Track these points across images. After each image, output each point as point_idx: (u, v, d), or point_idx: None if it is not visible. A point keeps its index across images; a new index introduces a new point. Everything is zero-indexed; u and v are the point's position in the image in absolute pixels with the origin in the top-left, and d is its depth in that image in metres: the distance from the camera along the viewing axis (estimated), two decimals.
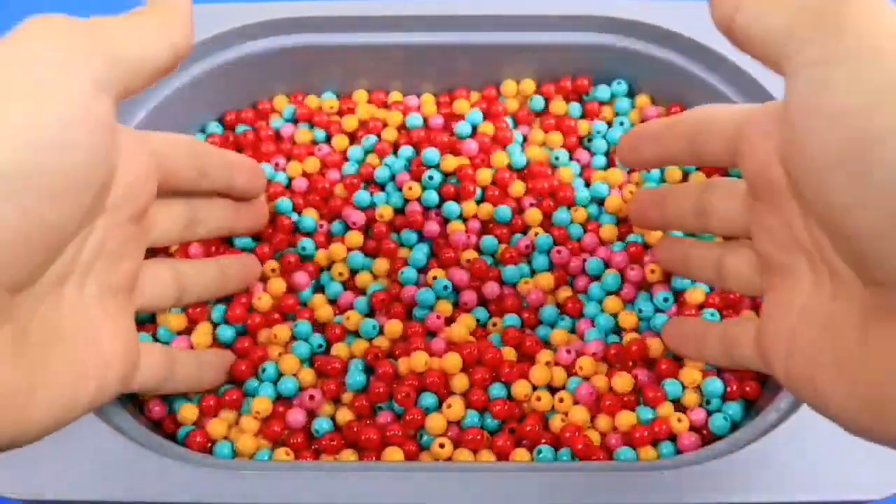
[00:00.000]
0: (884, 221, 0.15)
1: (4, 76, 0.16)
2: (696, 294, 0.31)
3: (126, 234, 0.22)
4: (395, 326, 0.30)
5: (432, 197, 0.33)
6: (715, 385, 0.28)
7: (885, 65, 0.15)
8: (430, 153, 0.33)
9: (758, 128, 0.19)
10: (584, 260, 0.32)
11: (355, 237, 0.32)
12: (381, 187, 0.34)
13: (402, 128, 0.36)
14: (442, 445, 0.27)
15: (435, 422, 0.27)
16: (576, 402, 0.28)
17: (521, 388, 0.28)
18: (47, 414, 0.19)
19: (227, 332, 0.31)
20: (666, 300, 0.30)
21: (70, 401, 0.19)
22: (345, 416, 0.28)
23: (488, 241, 0.32)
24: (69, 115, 0.17)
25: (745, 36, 0.18)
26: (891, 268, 0.15)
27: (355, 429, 0.27)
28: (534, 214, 0.33)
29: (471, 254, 0.32)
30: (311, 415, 0.29)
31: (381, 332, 0.30)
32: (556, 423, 0.28)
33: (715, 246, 0.25)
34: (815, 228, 0.18)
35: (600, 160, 0.35)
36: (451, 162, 0.33)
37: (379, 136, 0.36)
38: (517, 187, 0.33)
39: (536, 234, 0.32)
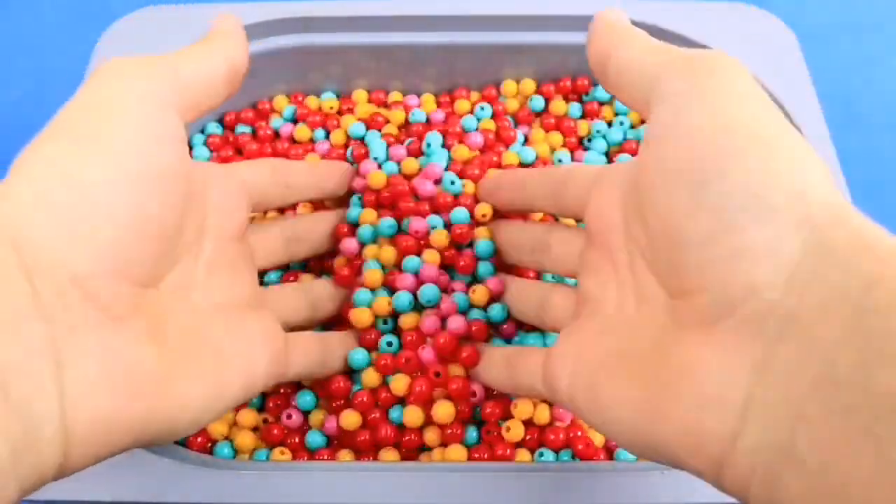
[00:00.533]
0: (713, 226, 0.17)
1: (102, 111, 0.20)
2: None
3: (234, 252, 0.25)
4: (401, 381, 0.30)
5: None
6: None
7: (738, 107, 0.18)
8: (433, 137, 0.33)
9: (609, 179, 0.23)
10: None
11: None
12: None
13: (402, 126, 0.36)
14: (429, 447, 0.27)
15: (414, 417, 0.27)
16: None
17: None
18: (195, 402, 0.20)
19: None
20: None
21: (216, 390, 0.21)
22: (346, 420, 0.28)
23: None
24: (150, 132, 0.20)
25: (618, 75, 0.21)
26: (708, 273, 0.17)
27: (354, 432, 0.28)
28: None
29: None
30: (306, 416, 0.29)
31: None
32: (543, 414, 0.28)
33: (546, 285, 0.27)
34: (637, 256, 0.21)
35: (601, 160, 0.35)
36: (461, 152, 0.33)
37: (380, 131, 0.36)
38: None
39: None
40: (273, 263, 0.29)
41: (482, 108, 0.36)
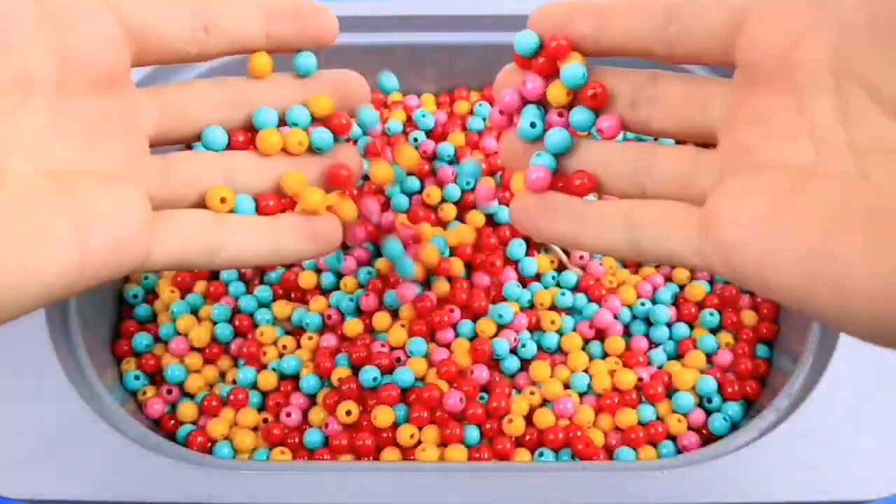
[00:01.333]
0: None
1: None
2: (697, 291, 0.31)
3: (92, 109, 0.20)
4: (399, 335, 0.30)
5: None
6: (708, 384, 0.28)
7: None
8: (445, 147, 0.34)
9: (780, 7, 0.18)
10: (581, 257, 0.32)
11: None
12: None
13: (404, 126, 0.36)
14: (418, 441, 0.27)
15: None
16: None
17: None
18: None
19: (225, 332, 0.31)
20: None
21: (17, 269, 0.18)
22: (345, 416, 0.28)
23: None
24: None
25: None
26: None
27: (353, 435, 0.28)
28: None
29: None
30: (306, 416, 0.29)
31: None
32: (544, 417, 0.28)
33: (638, 144, 0.21)
34: (856, 99, 0.16)
35: None
36: (458, 138, 0.33)
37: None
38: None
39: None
40: (192, 133, 0.23)
41: (481, 106, 0.36)
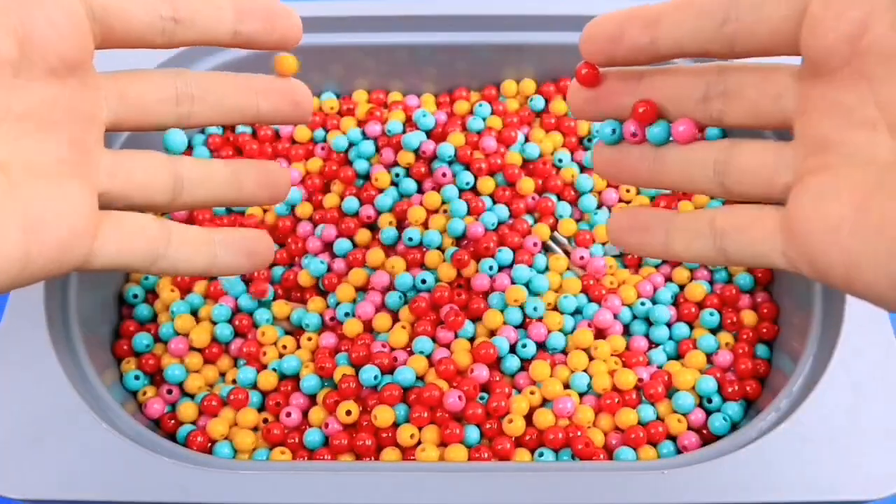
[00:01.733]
0: None
1: None
2: (697, 291, 0.31)
3: (44, 97, 0.20)
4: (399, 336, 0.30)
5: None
6: (707, 384, 0.28)
7: None
8: (445, 147, 0.34)
9: None
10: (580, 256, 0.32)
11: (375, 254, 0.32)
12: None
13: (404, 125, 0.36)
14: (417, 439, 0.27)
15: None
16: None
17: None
18: None
19: (225, 332, 0.31)
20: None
21: None
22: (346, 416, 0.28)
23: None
24: None
25: None
26: None
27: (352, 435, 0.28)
28: (541, 230, 0.33)
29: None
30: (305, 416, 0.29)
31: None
32: (544, 418, 0.28)
33: (716, 143, 0.21)
34: None
35: None
36: (458, 138, 0.34)
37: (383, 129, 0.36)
38: (527, 184, 0.34)
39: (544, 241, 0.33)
40: (149, 123, 0.22)
41: (481, 106, 0.36)
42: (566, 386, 0.29)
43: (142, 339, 0.31)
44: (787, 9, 0.18)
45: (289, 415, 0.28)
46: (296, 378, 0.30)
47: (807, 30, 0.17)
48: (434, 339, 0.30)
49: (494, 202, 0.34)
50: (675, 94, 0.20)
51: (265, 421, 0.29)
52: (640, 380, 0.29)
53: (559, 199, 0.34)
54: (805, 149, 0.18)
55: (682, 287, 0.32)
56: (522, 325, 0.31)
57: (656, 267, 0.33)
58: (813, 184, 0.18)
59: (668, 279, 0.32)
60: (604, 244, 0.33)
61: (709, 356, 0.30)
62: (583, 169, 0.35)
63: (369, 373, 0.28)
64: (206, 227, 0.23)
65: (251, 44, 0.23)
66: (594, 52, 0.20)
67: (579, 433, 0.27)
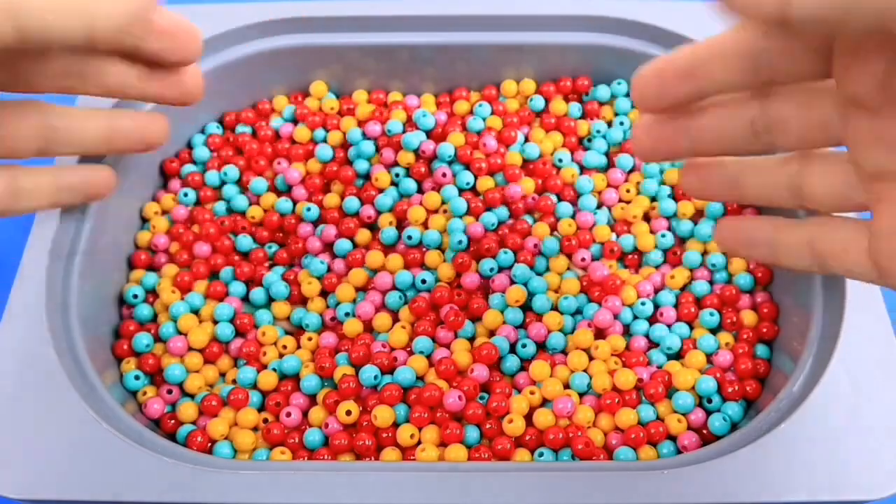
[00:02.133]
0: None
1: None
2: (697, 291, 0.31)
3: None
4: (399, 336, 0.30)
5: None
6: (707, 384, 0.28)
7: None
8: (445, 147, 0.34)
9: None
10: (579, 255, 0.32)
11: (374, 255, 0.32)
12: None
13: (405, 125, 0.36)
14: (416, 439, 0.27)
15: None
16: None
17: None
18: None
19: (225, 332, 0.31)
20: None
21: None
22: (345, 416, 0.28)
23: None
24: None
25: None
26: None
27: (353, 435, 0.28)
28: (541, 228, 0.33)
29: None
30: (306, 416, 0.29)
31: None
32: (544, 418, 0.28)
33: (782, 162, 0.21)
34: None
35: (601, 160, 0.35)
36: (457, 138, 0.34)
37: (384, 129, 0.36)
38: (527, 184, 0.34)
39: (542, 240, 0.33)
40: (16, 153, 0.25)
41: (481, 106, 0.36)
42: (566, 386, 0.29)
43: (142, 339, 0.31)
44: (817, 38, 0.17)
45: (289, 415, 0.28)
46: (296, 378, 0.30)
47: (837, 65, 0.17)
48: (434, 339, 0.30)
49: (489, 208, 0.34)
50: (725, 136, 0.21)
51: (265, 421, 0.29)
52: (640, 380, 0.29)
53: (559, 199, 0.34)
54: (866, 175, 0.18)
55: (682, 287, 0.32)
56: (522, 325, 0.31)
57: (656, 267, 0.33)
58: (886, 216, 0.18)
59: (667, 280, 0.32)
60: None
61: (709, 356, 0.30)
62: (583, 169, 0.35)
63: (369, 373, 0.28)
64: (53, 174, 0.27)
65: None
66: (649, 110, 0.21)
67: (579, 433, 0.27)
